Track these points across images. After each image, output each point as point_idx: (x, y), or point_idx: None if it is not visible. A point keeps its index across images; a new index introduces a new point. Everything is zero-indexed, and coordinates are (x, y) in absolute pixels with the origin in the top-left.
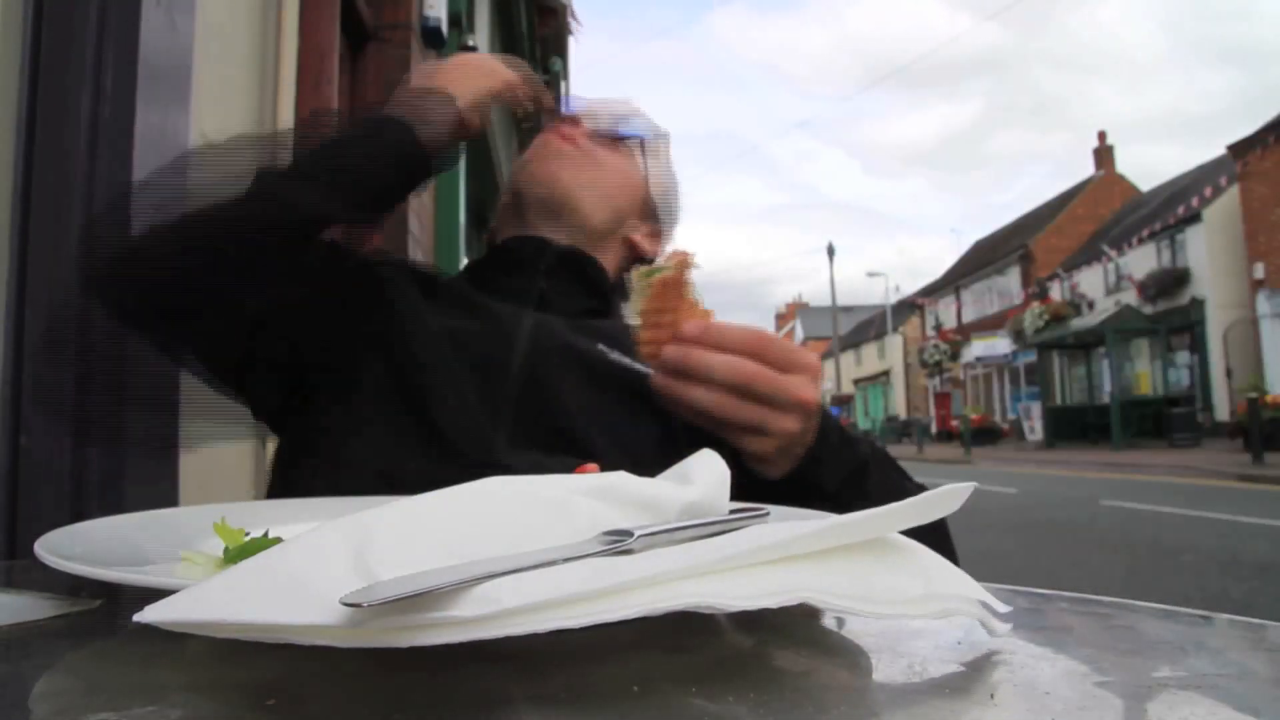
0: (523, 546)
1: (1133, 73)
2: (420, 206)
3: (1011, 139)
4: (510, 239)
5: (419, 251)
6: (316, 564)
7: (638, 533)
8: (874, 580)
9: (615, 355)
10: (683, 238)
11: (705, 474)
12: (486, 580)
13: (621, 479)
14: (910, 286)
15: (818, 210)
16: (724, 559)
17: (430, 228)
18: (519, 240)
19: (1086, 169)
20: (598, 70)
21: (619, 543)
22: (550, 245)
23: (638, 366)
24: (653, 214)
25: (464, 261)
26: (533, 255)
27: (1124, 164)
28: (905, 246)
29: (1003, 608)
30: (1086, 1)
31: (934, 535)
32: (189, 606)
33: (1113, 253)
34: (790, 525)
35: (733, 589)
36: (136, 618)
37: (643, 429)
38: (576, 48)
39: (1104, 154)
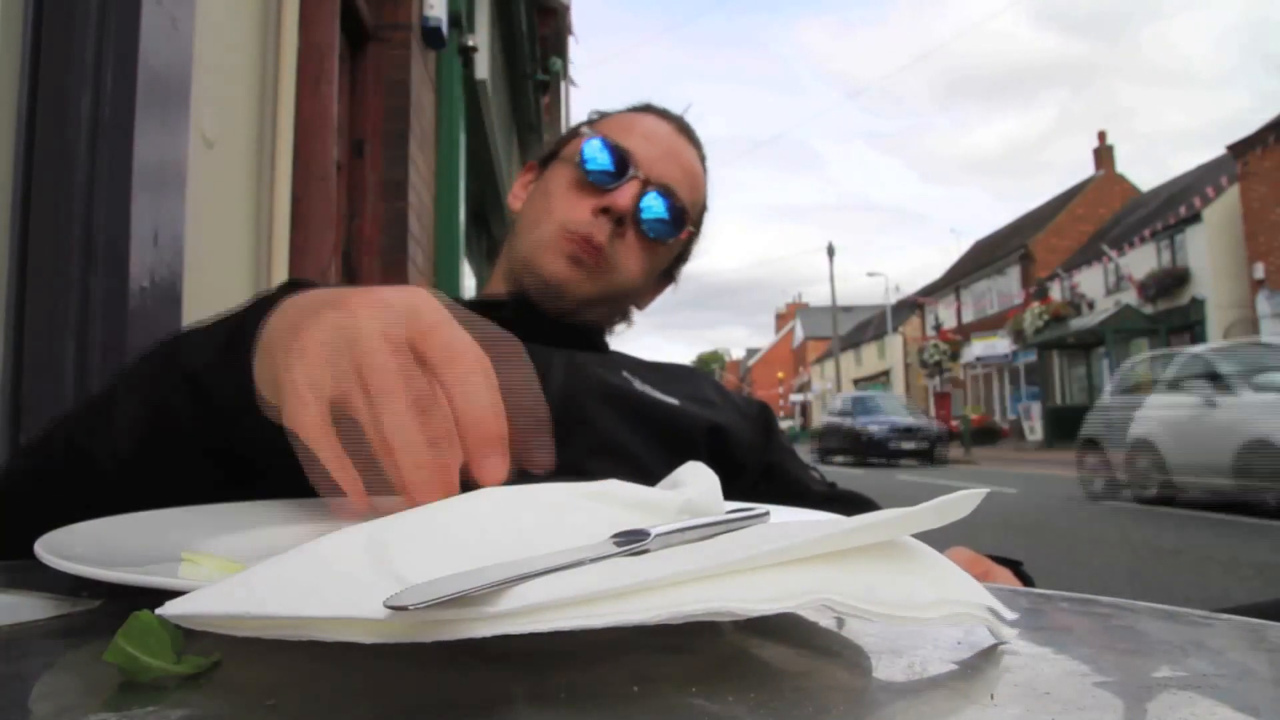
0: (540, 549)
1: (1200, 82)
2: (420, 206)
3: (1073, 145)
4: (500, 299)
5: (419, 251)
6: (344, 564)
7: (654, 532)
8: (889, 583)
9: (639, 385)
10: (724, 236)
11: (696, 480)
12: (522, 581)
13: (615, 485)
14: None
15: (867, 213)
16: (744, 560)
17: (430, 227)
18: (514, 307)
19: (1139, 178)
20: (667, 75)
21: (637, 543)
22: (552, 321)
23: (661, 397)
24: (664, 279)
25: (464, 262)
26: (533, 326)
27: (1183, 171)
28: (950, 248)
29: (1010, 614)
30: (1165, 16)
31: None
32: (215, 600)
33: (1113, 253)
34: (806, 526)
35: (753, 592)
36: (159, 612)
37: (663, 462)
38: (577, 48)
39: (1104, 154)
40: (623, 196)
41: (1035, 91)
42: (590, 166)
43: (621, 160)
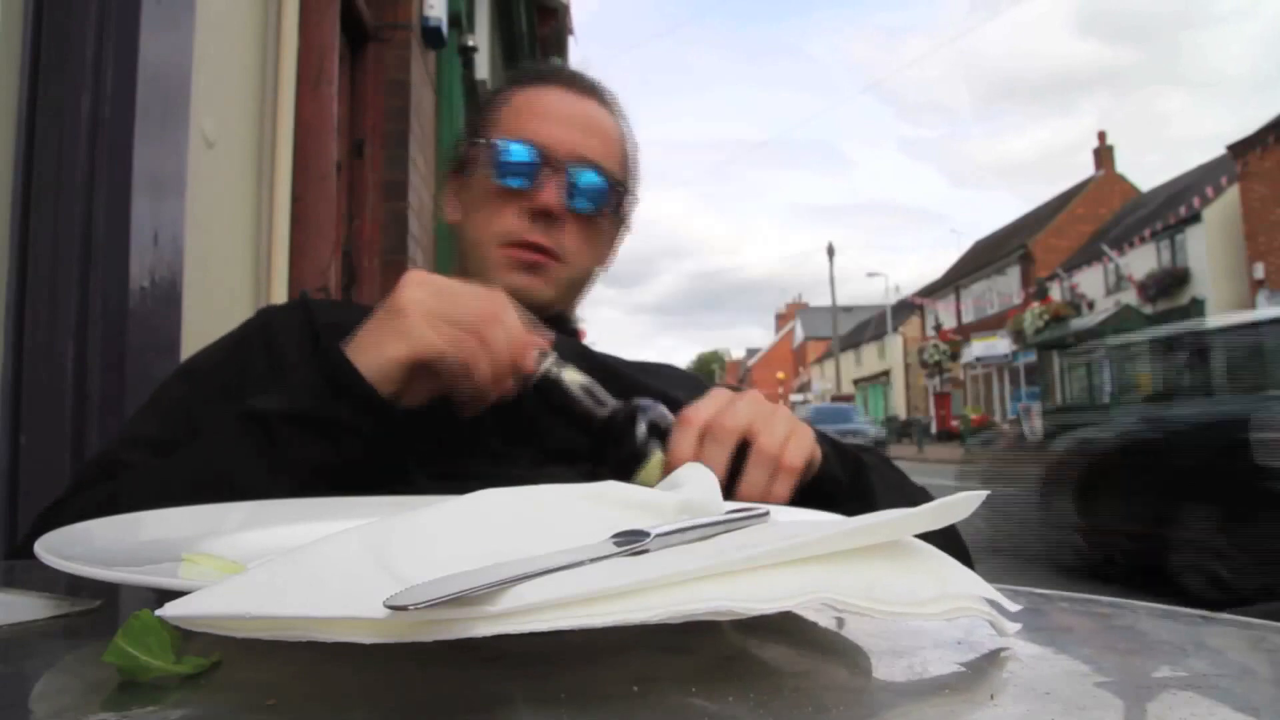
0: (540, 549)
1: (1235, 87)
2: (420, 206)
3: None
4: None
5: (419, 251)
6: (344, 565)
7: (654, 532)
8: (889, 581)
9: (630, 369)
10: (749, 235)
11: (695, 481)
12: (522, 581)
13: (614, 486)
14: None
15: (889, 215)
16: (745, 559)
17: (430, 228)
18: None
19: (1149, 179)
20: (732, 85)
21: (637, 543)
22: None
23: (645, 381)
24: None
25: None
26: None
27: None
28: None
29: (1013, 607)
30: (1209, 22)
31: (946, 536)
32: (215, 601)
33: (1113, 253)
34: (806, 526)
35: (754, 590)
36: (159, 612)
37: None
38: (575, 48)
39: (1104, 154)
40: (547, 194)
41: (1075, 99)
42: (504, 172)
43: (532, 155)
